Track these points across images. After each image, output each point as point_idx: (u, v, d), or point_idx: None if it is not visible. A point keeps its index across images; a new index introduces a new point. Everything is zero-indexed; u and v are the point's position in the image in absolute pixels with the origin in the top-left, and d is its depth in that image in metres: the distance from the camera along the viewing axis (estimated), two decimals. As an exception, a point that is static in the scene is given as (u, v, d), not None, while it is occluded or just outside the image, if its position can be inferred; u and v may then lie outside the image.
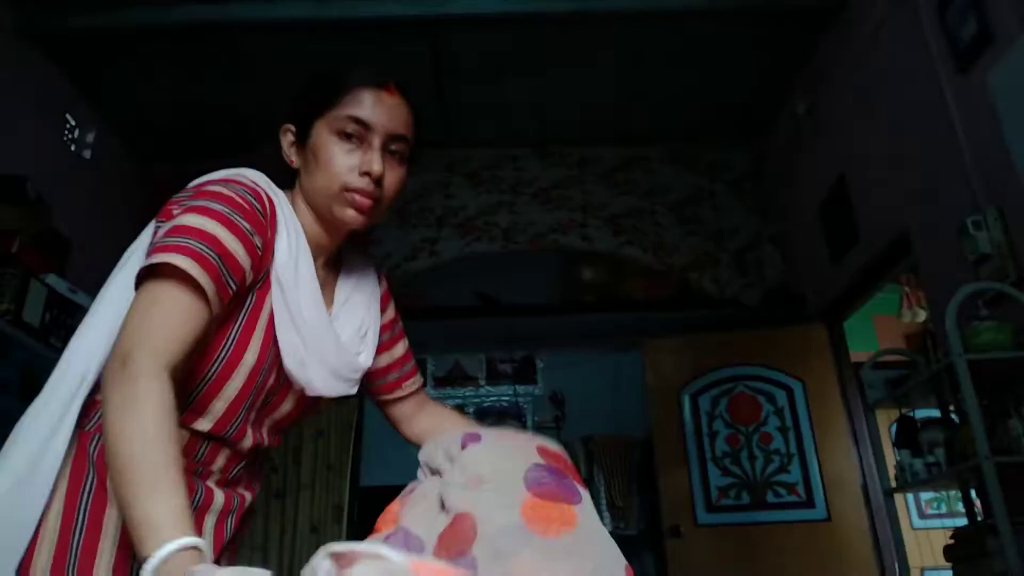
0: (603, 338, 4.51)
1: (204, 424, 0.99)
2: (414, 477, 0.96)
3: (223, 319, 0.96)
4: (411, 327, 4.35)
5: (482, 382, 4.69)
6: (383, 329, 1.24)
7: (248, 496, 1.12)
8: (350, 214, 1.04)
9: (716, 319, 4.13)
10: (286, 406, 1.10)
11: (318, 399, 1.12)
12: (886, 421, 3.39)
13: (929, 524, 5.06)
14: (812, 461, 3.72)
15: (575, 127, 4.37)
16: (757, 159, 4.50)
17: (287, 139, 1.11)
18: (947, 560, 2.47)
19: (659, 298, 4.32)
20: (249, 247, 0.94)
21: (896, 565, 3.36)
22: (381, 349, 1.23)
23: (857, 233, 3.35)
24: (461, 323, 4.38)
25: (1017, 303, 2.23)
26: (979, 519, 2.52)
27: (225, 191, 0.96)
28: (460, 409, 4.62)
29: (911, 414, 2.83)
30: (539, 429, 4.53)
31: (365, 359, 1.15)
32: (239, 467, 1.08)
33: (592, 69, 3.85)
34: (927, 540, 4.63)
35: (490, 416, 4.61)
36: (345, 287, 1.17)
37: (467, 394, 4.66)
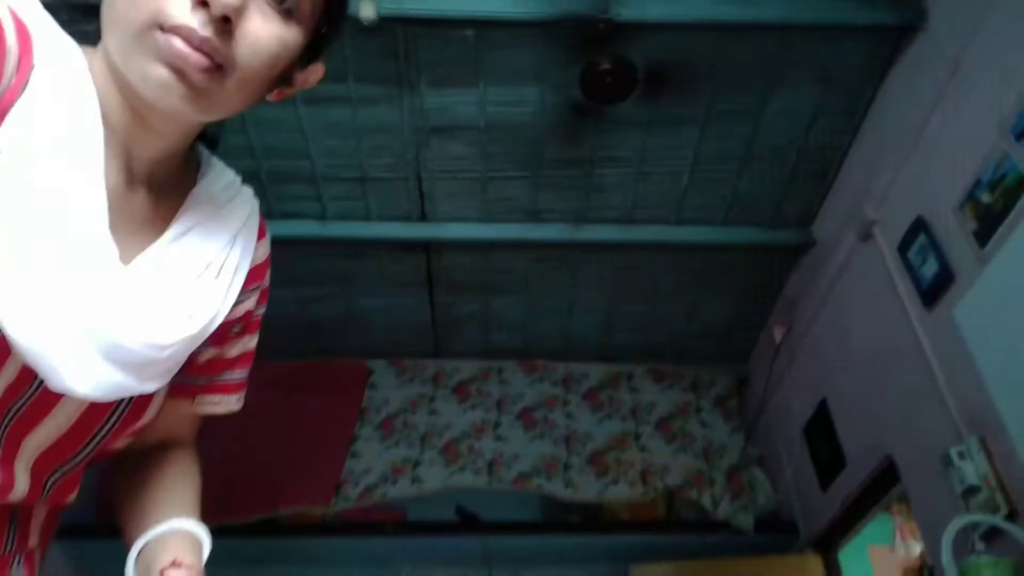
0: (588, 562, 4.28)
1: None
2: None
3: None
4: (384, 542, 4.09)
5: (458, 611, 4.34)
6: (240, 320, 0.82)
7: None
8: (158, 74, 0.60)
9: (707, 544, 3.96)
10: (51, 422, 0.66)
11: (115, 408, 0.69)
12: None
13: None
14: None
15: (559, 343, 4.48)
16: (739, 382, 4.58)
17: None
18: None
19: (647, 519, 4.17)
20: None
21: None
22: (217, 339, 0.79)
23: (843, 460, 3.34)
24: (438, 541, 4.17)
25: (1012, 537, 2.18)
26: None
27: None
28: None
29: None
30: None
31: (192, 325, 0.69)
32: None
33: (575, 289, 4.04)
34: None
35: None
36: (186, 222, 0.73)
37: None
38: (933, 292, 2.61)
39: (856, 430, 3.26)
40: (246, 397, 0.90)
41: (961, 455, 2.41)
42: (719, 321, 4.25)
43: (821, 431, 3.53)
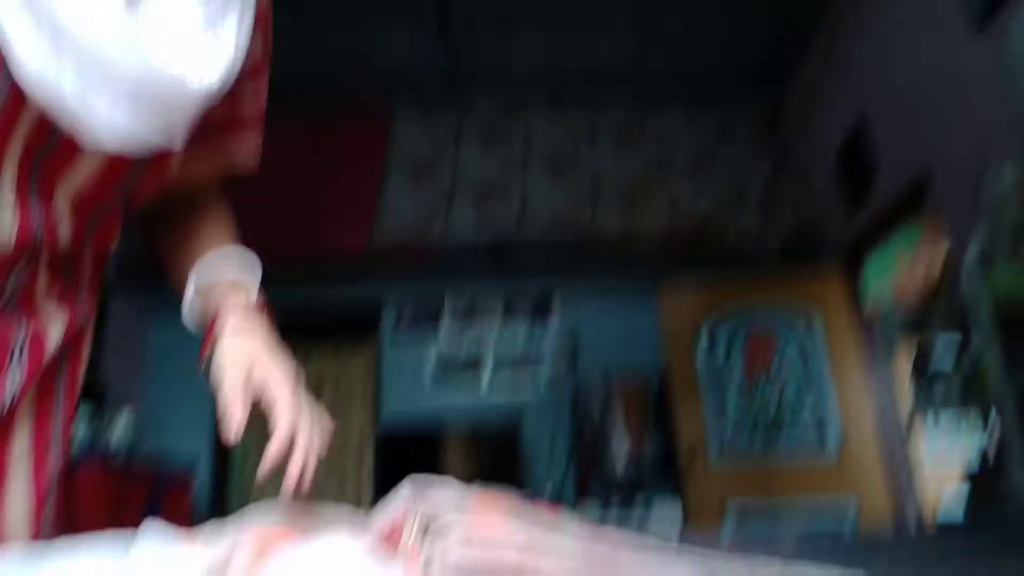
0: (619, 286, 4.46)
1: None
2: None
3: None
4: (421, 279, 4.15)
5: (498, 317, 4.59)
6: (248, 70, 0.75)
7: (56, 323, 0.72)
8: None
9: (736, 259, 4.11)
10: (79, 168, 0.66)
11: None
12: (906, 362, 3.39)
13: (946, 456, 5.08)
14: (830, 400, 3.74)
15: (585, 75, 4.25)
16: (776, 101, 4.40)
17: None
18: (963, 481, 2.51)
19: (679, 235, 4.25)
20: None
21: (913, 501, 3.41)
22: (228, 91, 0.72)
23: (875, 175, 3.31)
24: (473, 274, 4.36)
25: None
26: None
27: None
28: (474, 363, 4.56)
29: (930, 348, 2.83)
30: (555, 367, 4.44)
31: (209, 72, 0.65)
32: (13, 275, 0.67)
33: (606, 14, 3.75)
34: (944, 474, 4.67)
35: (506, 365, 4.52)
36: None
37: (483, 332, 4.54)
38: (988, 7, 2.38)
39: (891, 147, 3.18)
40: (272, 156, 0.89)
41: (996, 171, 2.37)
42: (756, 40, 3.95)
43: (856, 148, 3.46)
